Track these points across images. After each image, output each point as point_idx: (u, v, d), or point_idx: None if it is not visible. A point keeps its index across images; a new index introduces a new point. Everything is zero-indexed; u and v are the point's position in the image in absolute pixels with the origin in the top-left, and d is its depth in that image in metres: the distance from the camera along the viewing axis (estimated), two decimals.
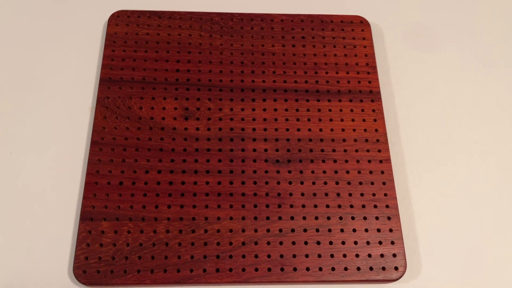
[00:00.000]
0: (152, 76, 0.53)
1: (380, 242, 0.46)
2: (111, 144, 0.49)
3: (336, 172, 0.49)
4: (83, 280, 0.43)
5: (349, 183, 0.49)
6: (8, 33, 0.56)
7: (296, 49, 0.56)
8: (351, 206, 0.48)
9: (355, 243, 0.46)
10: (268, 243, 0.45)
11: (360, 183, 0.49)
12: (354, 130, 0.51)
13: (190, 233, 0.45)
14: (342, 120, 0.52)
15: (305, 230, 0.46)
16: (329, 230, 0.46)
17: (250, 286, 0.45)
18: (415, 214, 0.49)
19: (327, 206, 0.47)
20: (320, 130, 0.51)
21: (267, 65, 0.55)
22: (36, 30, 0.57)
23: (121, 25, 0.56)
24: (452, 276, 0.46)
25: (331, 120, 0.52)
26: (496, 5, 0.62)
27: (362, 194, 0.48)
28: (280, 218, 0.47)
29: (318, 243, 0.46)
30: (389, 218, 0.47)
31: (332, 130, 0.51)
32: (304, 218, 0.47)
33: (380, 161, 0.50)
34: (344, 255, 0.45)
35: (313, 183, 0.48)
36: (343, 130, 0.51)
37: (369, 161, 0.50)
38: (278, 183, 0.48)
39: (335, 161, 0.50)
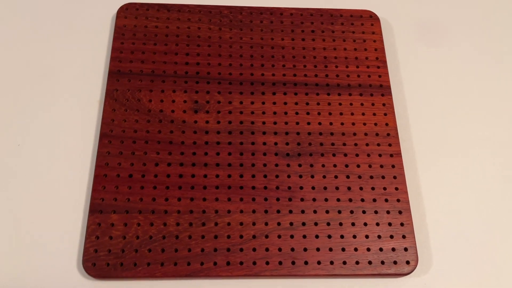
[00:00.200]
0: (161, 68, 0.53)
1: (391, 236, 0.46)
2: (121, 137, 0.49)
3: (346, 166, 0.49)
4: (93, 273, 0.43)
5: (360, 177, 0.48)
6: (16, 26, 0.56)
7: (306, 42, 0.56)
8: (362, 200, 0.47)
9: (366, 237, 0.46)
10: (279, 236, 0.45)
11: (371, 177, 0.48)
12: (364, 124, 0.51)
13: (201, 226, 0.45)
14: (352, 114, 0.52)
15: (316, 224, 0.46)
16: (340, 224, 0.46)
17: (260, 279, 0.44)
18: (425, 208, 0.49)
19: (338, 200, 0.47)
20: (330, 123, 0.51)
21: (276, 59, 0.54)
22: (45, 23, 0.56)
23: (129, 18, 0.55)
24: (463, 270, 0.46)
25: (341, 114, 0.51)
26: (507, 0, 0.62)
27: (373, 188, 0.48)
28: (290, 211, 0.46)
29: (329, 236, 0.45)
30: (400, 212, 0.47)
31: (342, 123, 0.51)
32: (314, 211, 0.46)
33: (391, 155, 0.49)
34: (355, 249, 0.45)
35: (324, 176, 0.48)
36: (353, 124, 0.51)
37: (380, 155, 0.49)
38: (289, 176, 0.48)
39: (345, 154, 0.49)
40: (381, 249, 0.45)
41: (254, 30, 0.56)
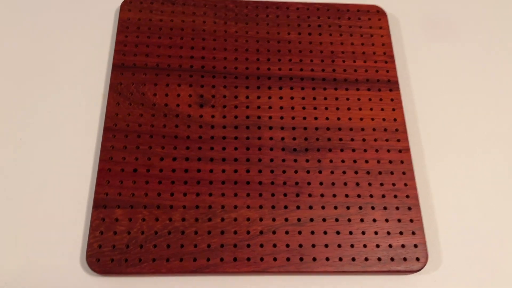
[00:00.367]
0: (166, 62, 0.52)
1: (401, 233, 0.45)
2: (125, 131, 0.48)
3: (355, 161, 0.48)
4: (97, 269, 0.42)
5: (368, 172, 0.47)
6: (20, 19, 0.55)
7: (312, 37, 0.55)
8: (371, 196, 0.46)
9: (376, 233, 0.45)
10: (287, 232, 0.44)
11: (380, 173, 0.48)
12: (372, 119, 0.50)
13: (207, 222, 0.44)
14: (360, 109, 0.51)
15: (324, 220, 0.45)
16: (349, 220, 0.45)
17: (268, 276, 0.44)
18: (434, 205, 0.48)
19: (346, 195, 0.46)
20: (338, 119, 0.50)
21: (283, 53, 0.53)
22: (48, 16, 0.55)
23: (134, 11, 0.54)
24: (474, 267, 0.45)
25: (349, 109, 0.51)
26: None
27: (381, 184, 0.47)
28: (298, 207, 0.46)
29: (338, 233, 0.45)
30: (409, 208, 0.46)
31: (350, 119, 0.50)
32: (323, 207, 0.46)
33: (400, 151, 0.49)
34: (365, 245, 0.44)
35: (332, 172, 0.47)
36: (361, 119, 0.50)
37: (388, 151, 0.49)
38: (296, 172, 0.47)
39: (353, 150, 0.49)
40: (390, 246, 0.44)
41: (260, 24, 0.55)
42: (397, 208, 0.46)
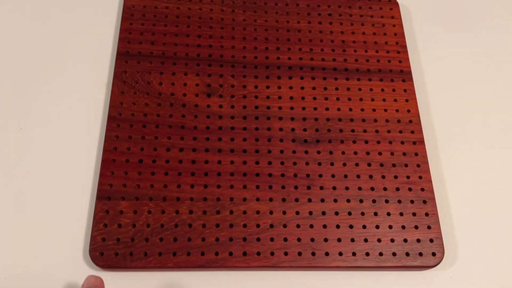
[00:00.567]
0: (172, 51, 0.50)
1: (416, 227, 0.43)
2: (130, 120, 0.46)
3: (368, 153, 0.46)
4: (100, 263, 0.40)
5: (381, 165, 0.46)
6: (23, 6, 0.53)
7: (323, 26, 0.53)
8: (385, 189, 0.45)
9: (390, 227, 0.43)
10: (298, 226, 0.43)
11: (394, 165, 0.46)
12: (385, 110, 0.49)
13: (215, 214, 0.43)
14: (372, 99, 0.49)
15: (336, 213, 0.43)
16: (362, 214, 0.44)
17: (279, 271, 0.42)
18: (449, 198, 0.46)
19: (359, 188, 0.45)
20: (350, 109, 0.48)
21: (292, 42, 0.52)
22: (52, 3, 0.54)
23: None
24: (490, 263, 0.44)
25: (361, 99, 0.49)
26: None
27: (395, 177, 0.45)
28: (309, 200, 0.44)
29: (351, 226, 0.43)
30: (424, 202, 0.44)
31: (362, 110, 0.49)
32: (335, 200, 0.44)
33: (414, 143, 0.47)
34: (379, 240, 0.43)
35: (344, 164, 0.46)
36: (374, 110, 0.49)
37: (402, 143, 0.47)
38: (307, 163, 0.45)
39: (366, 142, 0.47)
40: (405, 240, 0.43)
41: (269, 12, 0.54)
42: (412, 202, 0.44)
